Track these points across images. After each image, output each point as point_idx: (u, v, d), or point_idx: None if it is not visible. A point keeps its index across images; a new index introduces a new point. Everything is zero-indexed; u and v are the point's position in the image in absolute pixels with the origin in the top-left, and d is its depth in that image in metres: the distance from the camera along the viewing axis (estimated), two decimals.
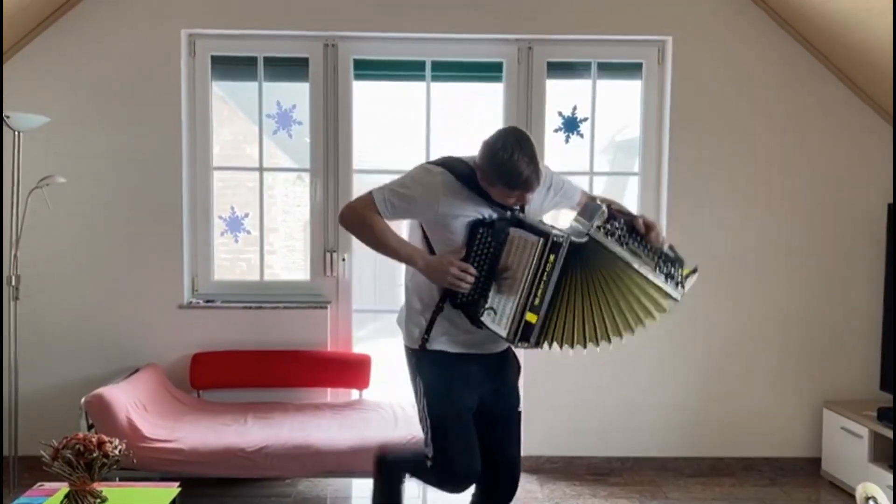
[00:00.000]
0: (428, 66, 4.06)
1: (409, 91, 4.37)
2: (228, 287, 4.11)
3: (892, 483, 3.46)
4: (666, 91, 4.01)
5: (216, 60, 4.03)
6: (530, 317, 2.31)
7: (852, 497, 3.63)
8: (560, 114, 4.12)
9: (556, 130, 4.11)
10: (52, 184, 3.56)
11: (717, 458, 4.10)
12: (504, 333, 2.33)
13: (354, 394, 4.01)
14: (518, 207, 2.43)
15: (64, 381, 3.91)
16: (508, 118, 4.05)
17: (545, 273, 2.29)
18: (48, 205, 3.58)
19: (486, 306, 2.35)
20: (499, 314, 2.34)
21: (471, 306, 2.38)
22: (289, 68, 4.13)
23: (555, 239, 2.28)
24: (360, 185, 4.34)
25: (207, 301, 4.02)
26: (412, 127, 4.22)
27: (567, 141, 4.13)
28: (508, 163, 2.28)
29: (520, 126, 4.00)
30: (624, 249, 2.33)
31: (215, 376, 3.91)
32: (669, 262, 2.39)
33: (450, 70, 4.18)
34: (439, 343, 2.49)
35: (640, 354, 4.06)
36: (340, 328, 4.09)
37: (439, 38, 3.98)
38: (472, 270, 2.33)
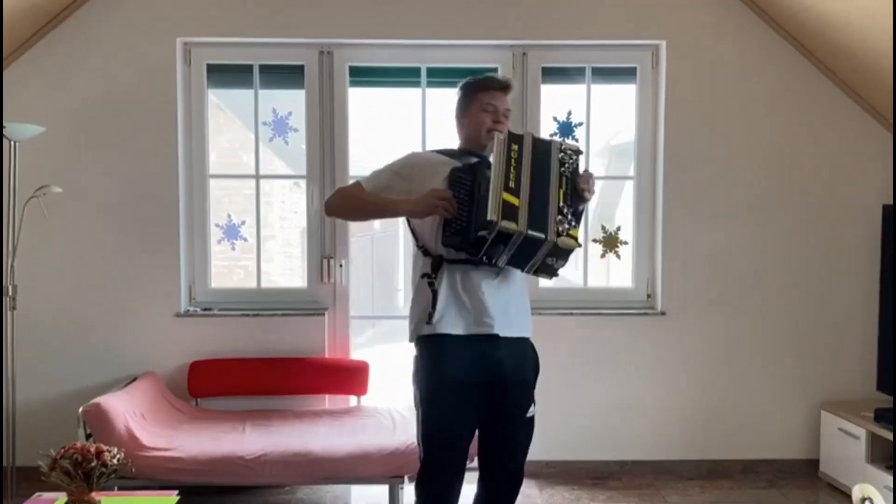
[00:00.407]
0: (423, 73, 4.07)
1: (405, 97, 4.38)
2: (225, 295, 4.11)
3: (890, 484, 3.46)
4: (660, 95, 4.02)
5: (212, 68, 4.04)
6: (509, 197, 2.28)
7: (849, 498, 3.63)
8: (555, 119, 4.13)
9: (551, 135, 4.12)
10: (49, 193, 3.56)
11: (716, 461, 4.10)
12: (491, 218, 2.24)
13: (353, 400, 4.00)
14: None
15: (62, 391, 3.90)
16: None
17: (513, 160, 2.35)
18: (44, 214, 3.58)
19: (476, 230, 2.32)
20: (481, 214, 2.30)
21: (461, 236, 2.36)
22: (284, 75, 4.14)
23: (516, 133, 2.42)
24: None
25: (205, 309, 4.02)
26: (409, 132, 4.24)
27: None
28: (474, 78, 2.63)
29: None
30: (557, 175, 2.39)
31: (213, 384, 3.91)
32: (571, 217, 2.38)
33: (445, 76, 4.18)
34: (447, 320, 2.43)
35: (636, 358, 4.06)
36: (338, 335, 4.09)
37: (434, 44, 3.99)
38: (450, 197, 2.35)
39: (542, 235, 2.29)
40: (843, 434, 3.83)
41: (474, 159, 2.51)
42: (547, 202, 2.33)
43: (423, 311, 2.45)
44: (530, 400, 2.56)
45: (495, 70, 4.04)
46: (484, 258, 2.35)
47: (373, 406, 3.92)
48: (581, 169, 2.43)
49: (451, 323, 2.44)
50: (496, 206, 2.25)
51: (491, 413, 2.51)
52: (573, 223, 2.35)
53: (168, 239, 3.96)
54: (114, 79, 3.89)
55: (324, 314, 4.02)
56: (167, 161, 3.94)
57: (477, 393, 2.46)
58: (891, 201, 3.94)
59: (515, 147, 2.38)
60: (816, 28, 3.72)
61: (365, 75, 4.14)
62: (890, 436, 3.53)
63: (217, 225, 4.13)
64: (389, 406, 3.90)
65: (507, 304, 2.48)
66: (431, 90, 4.11)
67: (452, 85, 4.38)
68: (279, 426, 3.65)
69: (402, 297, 12.43)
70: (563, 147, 2.45)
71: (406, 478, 3.31)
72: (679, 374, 4.08)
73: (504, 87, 2.59)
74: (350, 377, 3.97)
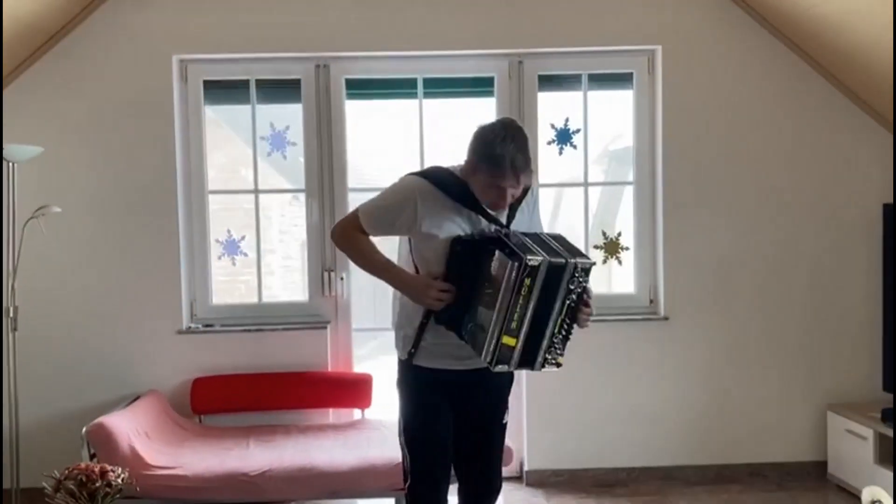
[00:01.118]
0: (420, 84, 4.07)
1: (402, 108, 4.38)
2: (227, 311, 4.10)
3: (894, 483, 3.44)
4: (657, 100, 4.03)
5: (208, 85, 4.05)
6: (508, 340, 2.22)
7: (859, 500, 3.61)
8: (553, 126, 4.13)
9: (549, 143, 4.12)
10: (48, 214, 3.56)
11: (723, 466, 4.08)
12: (481, 356, 2.23)
13: (357, 413, 3.99)
14: (504, 224, 2.38)
15: (64, 411, 3.89)
16: None
17: (521, 297, 2.19)
18: (44, 234, 3.57)
19: (470, 324, 2.28)
20: (480, 333, 2.25)
21: (453, 322, 2.32)
22: (281, 90, 4.15)
23: (529, 262, 2.15)
24: (356, 204, 4.35)
25: (206, 325, 4.01)
26: (407, 144, 4.24)
27: (561, 153, 4.14)
28: (495, 144, 2.26)
29: None
30: (560, 305, 2.26)
31: (216, 401, 3.90)
32: (560, 344, 2.32)
33: (441, 86, 4.20)
34: (426, 357, 2.43)
35: (640, 364, 4.05)
36: (340, 348, 4.08)
37: (430, 55, 4.00)
38: (451, 290, 2.27)
39: (529, 368, 2.30)
40: (850, 435, 3.81)
41: (481, 224, 2.38)
42: (542, 337, 2.26)
43: (407, 341, 2.44)
44: (505, 405, 2.60)
45: (491, 80, 4.05)
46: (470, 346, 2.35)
47: (377, 419, 3.91)
48: (586, 287, 2.31)
49: (432, 360, 2.43)
50: (492, 349, 2.21)
51: (468, 418, 2.51)
52: (560, 350, 2.31)
53: (168, 256, 3.96)
54: (111, 98, 3.90)
55: (326, 328, 4.01)
56: (166, 178, 3.94)
57: (460, 389, 2.47)
58: (890, 200, 3.93)
59: (528, 282, 2.18)
60: (813, 30, 3.72)
61: (361, 88, 4.15)
62: (892, 435, 3.52)
63: (217, 241, 4.13)
64: (394, 418, 3.88)
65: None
66: (428, 101, 4.12)
67: (449, 95, 4.43)
68: (283, 441, 3.63)
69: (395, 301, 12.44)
70: (577, 269, 2.25)
71: None
72: (684, 378, 4.06)
73: (514, 172, 2.27)
74: (353, 390, 3.96)
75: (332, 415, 4.04)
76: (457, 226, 2.35)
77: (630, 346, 4.04)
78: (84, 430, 3.26)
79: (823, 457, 4.06)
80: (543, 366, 2.29)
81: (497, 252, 2.24)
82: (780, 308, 4.06)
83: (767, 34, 3.95)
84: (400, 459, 3.26)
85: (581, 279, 2.26)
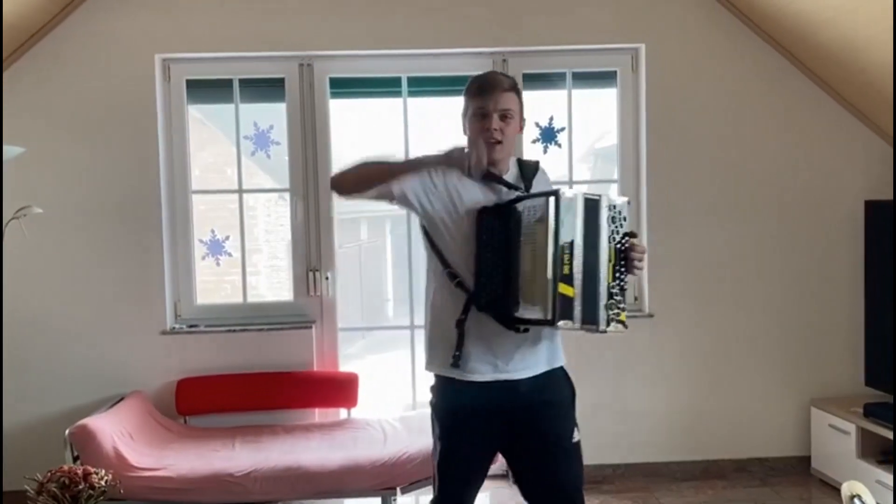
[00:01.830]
0: (404, 82, 4.07)
1: (386, 106, 4.38)
2: (211, 311, 4.08)
3: (881, 478, 3.47)
4: (641, 98, 4.04)
5: (191, 84, 4.02)
6: (565, 289, 2.03)
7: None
8: (537, 124, 4.14)
9: (534, 141, 4.13)
10: (30, 214, 3.52)
11: (709, 461, 4.11)
12: (542, 315, 2.05)
13: (343, 413, 3.98)
14: (524, 189, 2.28)
15: (47, 413, 3.86)
16: None
17: (567, 234, 2.05)
18: (25, 235, 3.54)
19: (514, 298, 2.11)
20: (531, 300, 2.08)
21: (499, 303, 2.14)
22: (265, 89, 4.13)
23: (565, 194, 2.05)
24: (340, 203, 4.34)
25: (191, 326, 3.99)
26: (392, 142, 4.23)
27: (545, 151, 4.15)
28: (480, 74, 2.35)
29: None
30: (607, 246, 2.12)
31: (201, 401, 3.88)
32: (619, 296, 2.15)
33: (426, 85, 4.19)
34: (471, 365, 2.21)
35: (625, 361, 4.06)
36: (326, 347, 4.07)
37: (414, 53, 3.99)
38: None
39: (594, 327, 2.10)
40: (833, 430, 3.84)
41: (497, 185, 2.27)
42: (598, 284, 2.09)
43: (447, 350, 2.23)
44: (569, 424, 2.31)
45: None
46: (520, 329, 2.18)
47: (363, 418, 3.90)
48: (626, 228, 2.18)
49: (475, 369, 2.22)
50: (551, 299, 2.03)
51: (519, 442, 2.29)
52: (622, 304, 2.14)
53: (152, 256, 3.93)
54: (93, 97, 3.87)
55: (311, 327, 4.00)
56: (149, 178, 3.92)
57: (499, 422, 2.26)
58: (872, 197, 3.96)
59: (568, 217, 2.06)
60: (793, 27, 3.75)
61: (345, 86, 4.14)
62: (880, 430, 3.55)
63: (201, 241, 4.11)
64: (380, 417, 3.89)
65: (535, 347, 2.27)
66: (413, 100, 4.11)
67: (434, 94, 4.43)
68: (269, 442, 3.62)
69: (392, 307, 12.42)
70: (613, 206, 2.15)
71: (398, 489, 3.29)
72: (669, 375, 4.08)
73: (496, 85, 2.27)
74: (339, 390, 3.95)
75: (319, 414, 4.03)
76: (480, 195, 2.24)
77: (615, 343, 4.05)
78: (67, 431, 3.24)
79: (807, 452, 4.09)
80: (609, 323, 2.12)
81: (527, 201, 2.14)
82: (764, 304, 4.09)
83: (750, 32, 3.97)
84: (386, 459, 3.31)
85: (620, 217, 2.16)
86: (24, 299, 3.85)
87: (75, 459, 3.22)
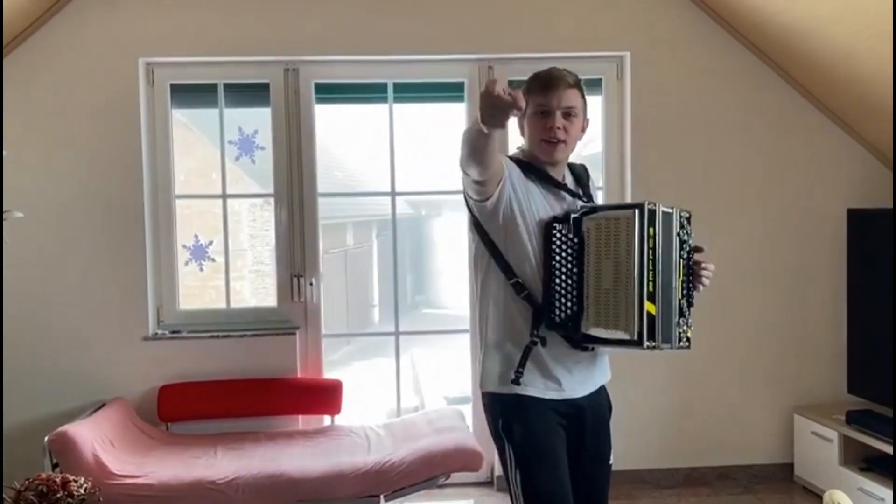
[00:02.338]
0: (390, 88, 4.06)
1: (373, 112, 4.38)
2: (194, 316, 4.06)
3: (864, 486, 3.49)
4: (626, 105, 4.05)
5: (176, 88, 4.00)
6: (649, 307, 1.96)
7: None
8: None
9: (519, 147, 4.12)
10: (10, 218, 3.48)
11: (692, 468, 4.11)
12: (626, 335, 1.98)
13: (327, 420, 3.96)
14: (584, 196, 2.18)
15: (27, 419, 3.81)
16: None
17: (648, 251, 1.97)
18: (4, 240, 3.50)
19: (588, 316, 2.02)
20: (611, 318, 2.01)
21: (572, 321, 2.04)
22: (250, 94, 4.11)
23: (649, 207, 1.98)
24: (326, 208, 4.33)
25: (173, 332, 3.96)
26: (377, 148, 4.23)
27: None
28: (541, 70, 2.17)
29: None
30: (678, 261, 2.07)
31: (183, 408, 3.85)
32: (687, 311, 2.11)
33: (412, 91, 4.19)
34: (534, 383, 2.09)
35: (609, 369, 4.05)
36: (310, 354, 4.05)
37: (400, 59, 3.99)
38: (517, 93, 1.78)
39: (669, 346, 2.05)
40: (815, 437, 3.86)
41: (562, 193, 2.15)
42: (672, 300, 2.04)
43: (508, 361, 2.10)
44: (609, 443, 2.30)
45: (461, 84, 4.05)
46: (589, 348, 2.12)
47: (347, 425, 3.88)
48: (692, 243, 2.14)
49: (538, 388, 2.10)
50: (637, 320, 1.96)
51: (575, 464, 2.18)
52: (690, 321, 2.11)
53: (134, 262, 3.90)
54: (75, 101, 3.84)
55: (295, 333, 3.98)
56: (132, 182, 3.88)
57: (566, 423, 2.17)
58: (855, 205, 3.99)
59: (651, 231, 1.98)
60: (778, 37, 3.77)
61: (331, 92, 4.13)
62: (862, 438, 3.57)
63: (184, 246, 4.08)
64: (364, 424, 3.87)
65: (594, 363, 2.23)
66: (399, 105, 4.11)
67: (420, 100, 4.43)
68: (252, 449, 3.59)
69: (378, 312, 12.42)
70: (682, 217, 2.09)
71: (382, 497, 3.28)
72: (653, 382, 4.08)
73: (561, 81, 2.12)
74: (323, 396, 3.93)
75: (302, 421, 4.00)
76: (547, 205, 2.12)
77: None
78: (46, 439, 3.20)
79: (790, 459, 4.10)
80: (680, 340, 2.08)
81: (605, 212, 2.05)
82: (748, 312, 4.10)
83: (735, 41, 3.99)
84: (370, 467, 3.29)
85: (688, 229, 2.11)
86: (4, 304, 3.80)
87: (54, 467, 3.18)
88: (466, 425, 3.78)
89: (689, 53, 4.01)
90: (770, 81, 4.03)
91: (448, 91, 4.18)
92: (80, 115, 3.84)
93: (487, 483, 4.08)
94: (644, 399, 4.08)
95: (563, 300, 2.05)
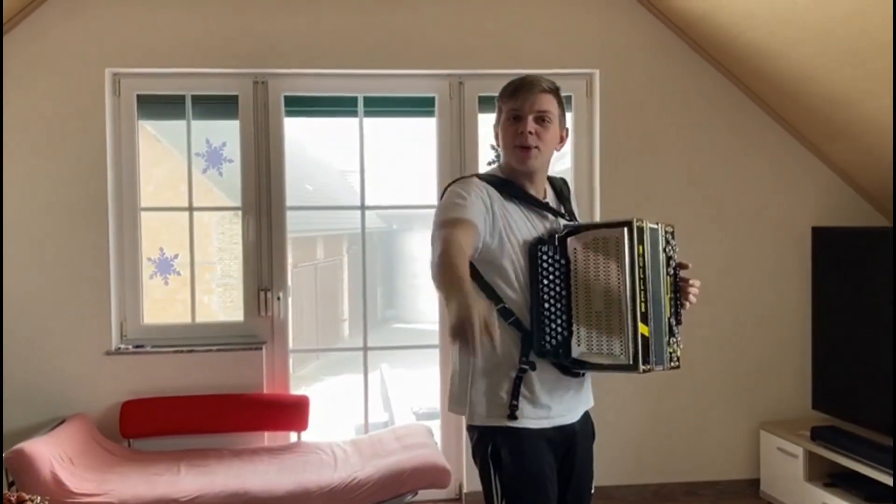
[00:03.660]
0: (360, 102, 4.05)
1: (344, 126, 4.36)
2: (159, 331, 3.99)
3: (827, 501, 3.52)
4: (595, 122, 4.08)
5: (143, 99, 3.95)
6: (643, 328, 1.91)
7: None
8: (493, 147, 4.14)
9: (489, 164, 4.13)
10: None
11: (660, 485, 4.12)
12: (622, 360, 1.91)
13: (293, 436, 3.91)
14: (566, 213, 2.13)
15: None
16: (442, 151, 4.06)
17: (641, 269, 1.92)
18: None
19: (579, 340, 1.95)
20: (601, 342, 1.94)
21: (562, 346, 1.96)
22: (218, 106, 4.07)
23: (637, 224, 1.92)
24: (295, 222, 4.29)
25: (137, 346, 3.89)
26: (347, 161, 4.21)
27: None
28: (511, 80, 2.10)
29: (453, 160, 4.05)
30: (665, 278, 2.03)
31: (147, 424, 3.77)
32: (676, 329, 2.07)
33: (382, 105, 4.18)
34: (525, 413, 1.99)
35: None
36: (277, 369, 4.00)
37: (371, 73, 3.98)
38: (495, 330, 1.65)
39: (661, 367, 2.01)
40: (781, 453, 3.89)
41: (543, 211, 2.08)
42: (662, 319, 1.99)
43: (497, 398, 2.00)
44: (593, 470, 2.25)
45: (432, 100, 4.05)
46: (580, 374, 2.05)
47: (314, 442, 3.84)
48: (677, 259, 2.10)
49: (530, 417, 2.01)
50: (630, 342, 1.90)
51: (564, 486, 2.12)
52: (679, 339, 2.07)
53: (97, 274, 3.83)
54: (40, 110, 3.77)
55: (261, 348, 3.93)
56: (97, 194, 3.82)
57: (554, 453, 2.09)
58: (819, 223, 4.05)
59: (640, 249, 1.92)
60: (744, 56, 3.83)
61: (301, 105, 4.10)
62: (827, 454, 3.60)
63: (149, 259, 4.02)
64: (331, 441, 3.82)
65: (582, 387, 2.15)
66: (369, 119, 4.10)
67: (390, 114, 4.43)
68: (216, 466, 3.53)
69: (347, 327, 12.36)
70: (666, 233, 2.06)
71: None
72: (621, 399, 4.09)
73: (532, 87, 2.05)
74: (289, 413, 3.87)
75: (268, 438, 3.94)
76: (530, 226, 2.04)
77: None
78: (2, 456, 3.11)
79: (756, 474, 4.13)
80: (671, 360, 2.04)
81: (592, 231, 1.97)
82: (714, 328, 4.13)
83: (701, 60, 4.04)
84: (336, 484, 3.25)
85: (672, 245, 2.06)
86: None
87: (11, 485, 3.10)
88: (435, 442, 3.75)
89: (658, 71, 4.05)
90: (738, 100, 4.09)
91: (419, 106, 4.17)
92: (45, 125, 3.78)
93: (455, 500, 4.05)
94: (612, 416, 4.08)
95: (553, 325, 1.96)
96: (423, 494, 3.53)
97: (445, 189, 2.07)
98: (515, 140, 2.06)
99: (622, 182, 4.06)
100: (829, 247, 3.94)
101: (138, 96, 3.93)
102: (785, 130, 4.11)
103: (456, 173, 4.04)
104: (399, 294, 14.84)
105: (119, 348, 3.86)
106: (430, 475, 3.33)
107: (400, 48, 3.91)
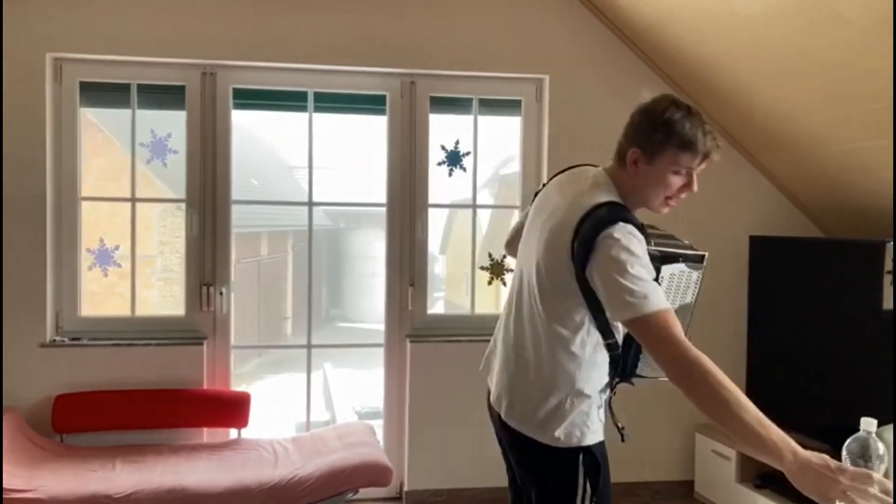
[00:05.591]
0: (310, 97, 4.02)
1: (293, 120, 4.32)
2: (97, 324, 3.89)
3: (758, 503, 3.62)
4: (543, 127, 4.13)
5: (86, 86, 3.85)
6: None
7: None
8: (443, 147, 4.16)
9: (439, 164, 4.15)
10: None
11: None
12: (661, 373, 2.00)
13: (233, 433, 3.86)
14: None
15: None
16: (393, 150, 4.06)
17: (695, 296, 2.17)
18: None
19: (648, 359, 2.11)
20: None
21: (636, 365, 2.15)
22: (165, 96, 3.99)
23: (706, 256, 2.15)
24: (240, 217, 4.23)
25: (73, 339, 3.78)
26: (296, 156, 4.18)
27: (450, 174, 4.17)
28: (683, 121, 2.02)
29: (403, 159, 4.06)
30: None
31: (81, 419, 3.67)
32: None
33: (333, 101, 4.16)
34: (597, 430, 2.17)
35: None
36: (218, 365, 3.94)
37: (321, 69, 3.96)
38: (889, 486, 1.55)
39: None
40: (715, 455, 3.99)
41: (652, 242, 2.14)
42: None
43: (593, 417, 2.17)
44: None
45: (384, 98, 4.05)
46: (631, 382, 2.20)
47: (254, 439, 3.79)
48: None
49: (600, 430, 2.21)
50: None
51: None
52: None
53: (33, 263, 3.72)
54: None
55: (202, 343, 3.87)
56: (34, 182, 3.71)
57: None
58: (756, 232, 4.17)
59: (700, 276, 2.13)
60: (691, 70, 3.92)
61: (250, 98, 4.05)
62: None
63: (88, 250, 3.92)
64: (272, 438, 3.78)
65: None
66: (319, 115, 4.07)
67: (340, 110, 4.39)
68: (153, 462, 3.46)
69: (290, 325, 12.22)
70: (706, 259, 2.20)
71: None
72: None
73: (706, 152, 2.09)
74: (230, 409, 3.82)
75: (207, 434, 3.88)
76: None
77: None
78: None
79: (691, 476, 4.23)
80: None
81: (681, 264, 2.18)
82: None
83: (650, 71, 4.13)
84: (276, 482, 3.21)
85: (701, 272, 2.19)
86: None
87: None
88: (377, 440, 3.75)
89: (606, 79, 4.12)
90: None
91: (370, 104, 4.16)
92: None
93: (396, 499, 4.05)
94: None
95: (638, 348, 2.09)
96: (365, 493, 3.52)
97: (607, 222, 1.97)
98: (672, 193, 2.12)
99: None
100: (765, 255, 4.06)
101: (81, 83, 3.83)
102: (727, 142, 4.23)
103: (406, 172, 4.05)
104: (345, 293, 14.74)
105: (54, 340, 3.76)
106: (372, 473, 3.33)
107: (352, 45, 3.90)
